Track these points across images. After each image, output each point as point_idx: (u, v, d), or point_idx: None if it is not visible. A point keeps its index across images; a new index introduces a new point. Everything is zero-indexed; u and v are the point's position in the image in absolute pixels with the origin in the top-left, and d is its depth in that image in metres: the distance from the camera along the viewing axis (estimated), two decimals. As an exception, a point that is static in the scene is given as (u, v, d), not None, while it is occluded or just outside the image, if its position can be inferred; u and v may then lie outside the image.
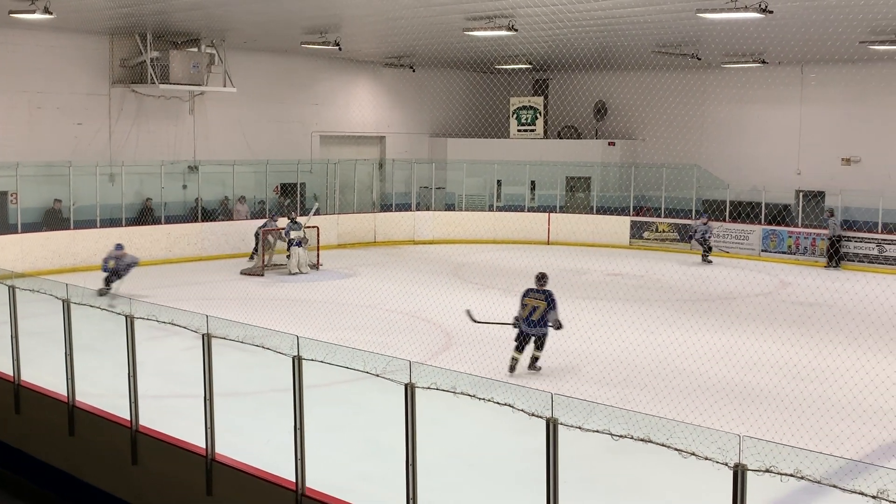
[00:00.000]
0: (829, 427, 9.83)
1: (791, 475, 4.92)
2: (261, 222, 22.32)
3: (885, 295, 17.02)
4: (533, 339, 12.15)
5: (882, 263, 22.35)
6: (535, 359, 12.24)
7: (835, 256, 22.92)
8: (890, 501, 4.58)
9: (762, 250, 24.52)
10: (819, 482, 4.90)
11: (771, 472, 4.97)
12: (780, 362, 13.03)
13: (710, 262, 23.86)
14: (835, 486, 4.84)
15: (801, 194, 25.75)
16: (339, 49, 22.04)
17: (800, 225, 24.90)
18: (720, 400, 10.91)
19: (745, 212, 25.21)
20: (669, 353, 13.21)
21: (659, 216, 26.80)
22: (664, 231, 26.23)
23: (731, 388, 11.60)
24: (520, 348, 12.13)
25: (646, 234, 26.48)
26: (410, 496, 6.56)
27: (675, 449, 5.26)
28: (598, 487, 8.24)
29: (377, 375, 6.77)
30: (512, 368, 12.08)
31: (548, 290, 12.24)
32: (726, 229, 25.19)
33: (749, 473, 5.07)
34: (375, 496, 7.69)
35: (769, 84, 26.30)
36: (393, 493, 6.75)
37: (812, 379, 12.05)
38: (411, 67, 28.04)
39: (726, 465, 5.10)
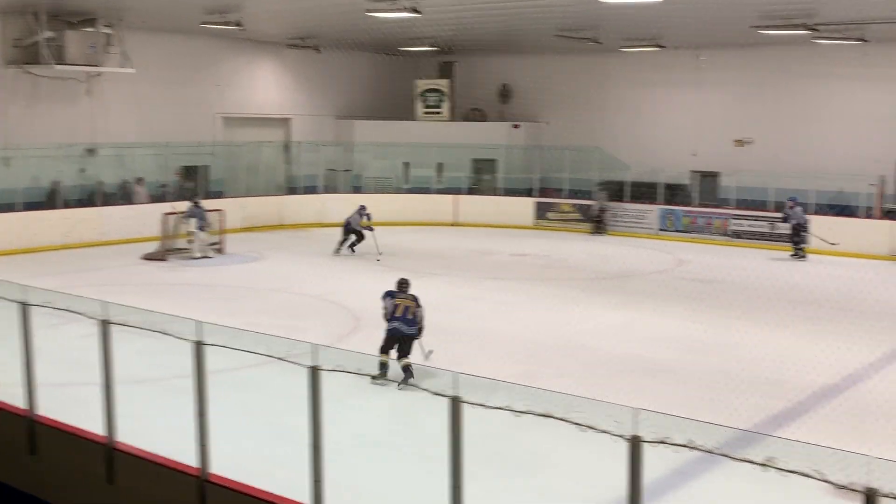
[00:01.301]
0: (721, 398, 10.21)
1: (684, 446, 5.09)
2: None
3: (772, 270, 17.73)
4: (405, 338, 10.50)
5: (772, 240, 23.20)
6: (406, 367, 10.29)
7: (599, 225, 25.76)
8: (777, 468, 4.82)
9: (660, 229, 25.19)
10: (711, 452, 5.10)
11: (665, 443, 5.14)
12: (676, 336, 13.44)
13: (803, 258, 21.07)
14: (725, 455, 5.05)
15: (697, 175, 26.52)
16: (241, 29, 21.68)
17: (696, 204, 25.66)
18: (619, 374, 11.23)
19: (643, 192, 25.86)
20: (571, 329, 13.53)
21: (562, 197, 27.25)
22: (567, 212, 26.70)
23: (630, 363, 11.94)
24: (388, 349, 10.48)
25: (549, 215, 26.91)
26: (316, 478, 6.60)
27: (574, 423, 5.41)
28: (502, 463, 8.41)
29: (280, 359, 6.77)
30: (384, 373, 10.23)
31: (412, 294, 10.97)
32: (625, 209, 25.80)
33: (644, 445, 5.25)
34: (281, 479, 7.68)
35: (666, 68, 26.95)
36: (299, 476, 6.76)
37: (707, 352, 12.49)
38: (316, 48, 27.73)
39: (622, 437, 5.27)
